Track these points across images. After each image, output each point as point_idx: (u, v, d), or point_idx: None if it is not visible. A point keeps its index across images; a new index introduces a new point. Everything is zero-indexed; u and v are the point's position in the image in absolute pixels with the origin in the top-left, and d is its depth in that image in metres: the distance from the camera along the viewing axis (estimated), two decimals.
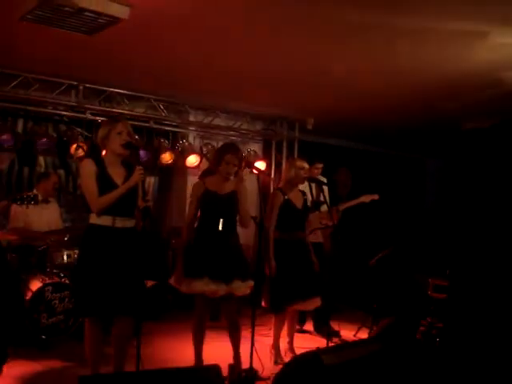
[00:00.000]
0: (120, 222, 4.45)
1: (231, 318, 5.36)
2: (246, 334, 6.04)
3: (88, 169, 4.48)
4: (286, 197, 5.87)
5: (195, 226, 5.36)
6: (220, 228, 5.23)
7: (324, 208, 6.61)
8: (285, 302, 5.74)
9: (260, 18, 5.11)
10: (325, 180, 6.59)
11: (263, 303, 5.84)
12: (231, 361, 5.21)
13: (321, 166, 6.99)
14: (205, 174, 5.47)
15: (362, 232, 9.49)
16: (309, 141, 9.83)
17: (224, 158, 5.25)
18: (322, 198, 6.44)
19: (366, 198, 7.02)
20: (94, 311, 4.47)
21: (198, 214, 5.34)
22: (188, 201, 5.47)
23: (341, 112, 8.71)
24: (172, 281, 5.31)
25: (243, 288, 5.22)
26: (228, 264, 5.19)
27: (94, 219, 4.47)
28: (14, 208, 6.30)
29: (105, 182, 4.45)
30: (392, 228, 9.77)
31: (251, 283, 5.27)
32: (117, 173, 4.55)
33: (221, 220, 5.24)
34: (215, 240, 5.24)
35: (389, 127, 9.57)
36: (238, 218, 5.36)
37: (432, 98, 7.60)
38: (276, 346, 6.00)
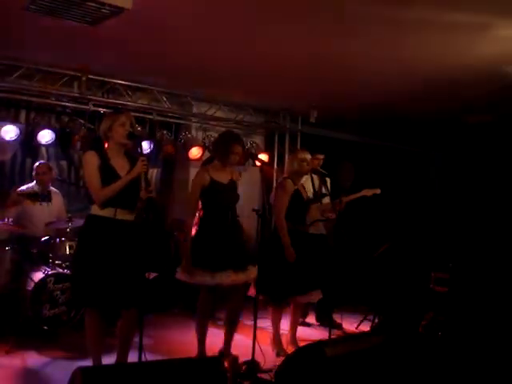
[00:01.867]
0: (121, 214, 4.45)
1: (237, 306, 5.38)
2: (247, 327, 6.07)
3: (91, 160, 4.48)
4: (295, 187, 5.87)
5: (201, 216, 5.31)
6: (229, 219, 5.25)
7: (326, 200, 6.60)
8: (286, 293, 5.73)
9: (263, 8, 5.08)
10: (326, 173, 6.58)
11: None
12: (235, 353, 5.23)
13: (322, 157, 6.98)
14: (205, 163, 5.46)
15: (364, 225, 9.48)
16: (311, 133, 9.81)
17: (232, 149, 5.24)
18: (324, 190, 6.43)
19: (367, 192, 7.01)
20: (91, 301, 4.47)
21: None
22: (190, 188, 5.43)
23: (344, 105, 8.69)
24: (180, 275, 5.26)
25: (254, 272, 5.25)
26: (241, 252, 5.26)
27: (95, 210, 4.47)
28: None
29: (108, 174, 4.45)
30: (395, 221, 9.75)
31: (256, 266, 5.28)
32: (120, 164, 4.54)
33: (229, 212, 5.28)
34: (226, 230, 5.25)
35: (392, 120, 9.55)
36: None
37: (434, 92, 7.58)
38: (277, 338, 5.99)
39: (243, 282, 5.29)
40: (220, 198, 5.24)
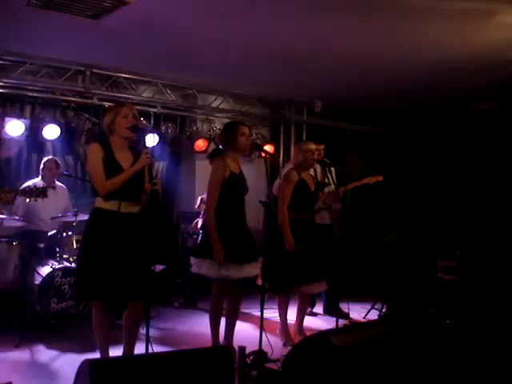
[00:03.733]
0: (125, 207, 4.44)
1: (239, 297, 5.39)
2: (254, 317, 6.08)
3: (95, 153, 4.47)
4: (300, 177, 5.86)
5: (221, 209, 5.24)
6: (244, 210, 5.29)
7: (329, 189, 6.60)
8: (291, 283, 5.73)
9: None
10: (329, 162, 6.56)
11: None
12: (242, 343, 5.22)
13: (322, 146, 6.95)
14: (211, 156, 5.43)
15: (371, 214, 9.47)
16: (317, 124, 9.79)
17: (238, 130, 5.22)
18: (327, 180, 6.42)
19: (369, 180, 6.99)
20: (96, 294, 4.47)
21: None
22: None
23: (348, 95, 8.66)
24: (205, 270, 5.18)
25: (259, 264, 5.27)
26: (253, 244, 5.28)
27: (99, 203, 4.46)
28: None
29: (112, 166, 4.44)
30: (401, 210, 9.72)
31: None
32: (124, 157, 4.54)
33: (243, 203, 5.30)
34: (243, 222, 5.28)
35: (397, 109, 9.52)
36: None
37: (438, 80, 7.55)
38: (284, 328, 6.00)
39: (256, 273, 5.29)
40: (237, 189, 5.23)
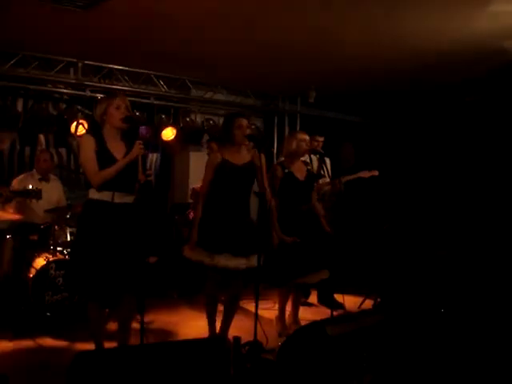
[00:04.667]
0: (119, 198, 4.43)
1: (237, 291, 5.38)
2: (249, 308, 6.08)
3: (87, 144, 4.45)
4: (286, 170, 5.83)
5: (210, 197, 5.28)
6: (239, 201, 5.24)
7: (323, 180, 6.59)
8: (288, 275, 5.72)
9: None
10: (322, 153, 6.55)
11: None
12: (237, 334, 5.22)
13: (321, 139, 6.95)
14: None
15: (364, 205, 9.47)
16: (311, 115, 9.78)
17: (235, 123, 5.20)
18: (322, 171, 6.41)
19: (364, 174, 7.01)
20: (90, 295, 4.47)
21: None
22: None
23: (342, 84, 8.66)
24: (187, 253, 5.25)
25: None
26: (247, 238, 5.18)
27: (93, 194, 4.44)
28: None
29: (104, 157, 4.42)
30: (394, 202, 9.73)
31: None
32: (116, 148, 4.52)
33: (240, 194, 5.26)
34: (233, 213, 5.22)
35: (391, 99, 9.51)
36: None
37: (432, 69, 7.54)
38: (281, 319, 6.01)
39: (244, 268, 5.23)
40: (228, 178, 5.19)
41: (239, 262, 5.14)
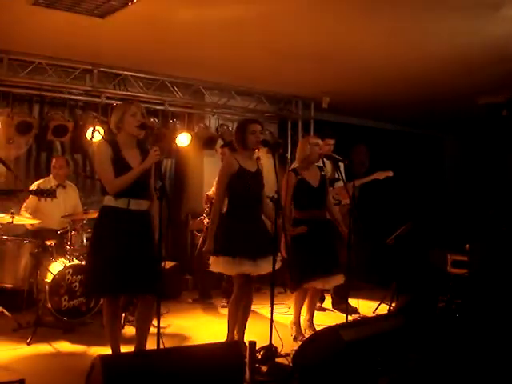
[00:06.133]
0: (135, 204, 4.47)
1: (252, 295, 5.39)
2: (264, 313, 6.09)
3: (103, 151, 4.49)
4: (299, 176, 5.83)
5: (228, 204, 5.29)
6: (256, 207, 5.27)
7: (338, 184, 6.60)
8: (302, 280, 5.72)
9: None
10: (340, 158, 6.55)
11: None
12: (253, 338, 5.25)
13: (332, 142, 6.93)
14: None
15: (380, 209, 9.47)
16: (324, 120, 9.79)
17: (248, 129, 5.21)
18: (336, 175, 6.41)
19: (379, 175, 6.99)
20: (106, 290, 4.49)
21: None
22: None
23: (356, 90, 8.66)
24: (214, 267, 5.19)
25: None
26: (266, 242, 5.16)
27: (108, 201, 4.47)
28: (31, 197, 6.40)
29: (120, 165, 4.45)
30: (410, 205, 9.72)
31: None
32: (132, 155, 4.55)
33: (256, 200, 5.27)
34: (256, 218, 5.26)
35: (404, 104, 9.50)
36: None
37: (446, 73, 7.54)
38: (296, 323, 6.02)
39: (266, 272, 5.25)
40: (246, 185, 5.18)
41: (264, 267, 5.15)
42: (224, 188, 5.23)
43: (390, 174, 6.96)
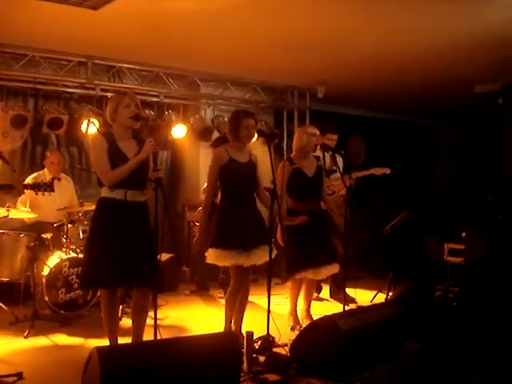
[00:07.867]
0: (131, 195, 4.46)
1: (247, 284, 5.39)
2: (261, 304, 6.10)
3: (98, 144, 4.49)
4: (294, 166, 5.82)
5: (219, 195, 5.31)
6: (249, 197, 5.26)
7: (334, 176, 6.59)
8: (293, 270, 5.72)
9: None
10: (342, 152, 6.53)
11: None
12: (250, 328, 5.25)
13: (334, 137, 6.92)
14: (218, 143, 5.40)
15: (375, 199, 9.47)
16: (320, 110, 9.78)
17: (242, 123, 5.20)
18: (334, 167, 6.40)
19: (377, 171, 6.96)
20: (103, 282, 4.50)
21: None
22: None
23: (351, 79, 8.64)
24: (211, 259, 5.18)
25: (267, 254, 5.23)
26: (260, 233, 5.20)
27: (105, 192, 4.48)
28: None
29: (116, 156, 4.45)
30: (405, 194, 9.72)
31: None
32: (128, 146, 4.54)
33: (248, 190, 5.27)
34: (249, 209, 5.24)
35: (400, 93, 9.49)
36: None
37: (442, 61, 7.53)
38: (293, 313, 6.02)
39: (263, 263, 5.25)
40: (237, 176, 5.18)
41: (259, 257, 5.15)
42: (215, 180, 5.24)
43: (388, 171, 6.92)
